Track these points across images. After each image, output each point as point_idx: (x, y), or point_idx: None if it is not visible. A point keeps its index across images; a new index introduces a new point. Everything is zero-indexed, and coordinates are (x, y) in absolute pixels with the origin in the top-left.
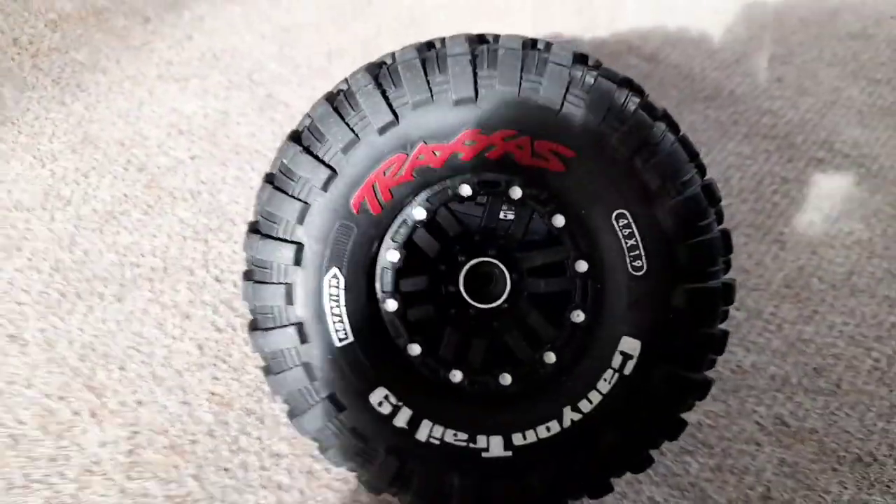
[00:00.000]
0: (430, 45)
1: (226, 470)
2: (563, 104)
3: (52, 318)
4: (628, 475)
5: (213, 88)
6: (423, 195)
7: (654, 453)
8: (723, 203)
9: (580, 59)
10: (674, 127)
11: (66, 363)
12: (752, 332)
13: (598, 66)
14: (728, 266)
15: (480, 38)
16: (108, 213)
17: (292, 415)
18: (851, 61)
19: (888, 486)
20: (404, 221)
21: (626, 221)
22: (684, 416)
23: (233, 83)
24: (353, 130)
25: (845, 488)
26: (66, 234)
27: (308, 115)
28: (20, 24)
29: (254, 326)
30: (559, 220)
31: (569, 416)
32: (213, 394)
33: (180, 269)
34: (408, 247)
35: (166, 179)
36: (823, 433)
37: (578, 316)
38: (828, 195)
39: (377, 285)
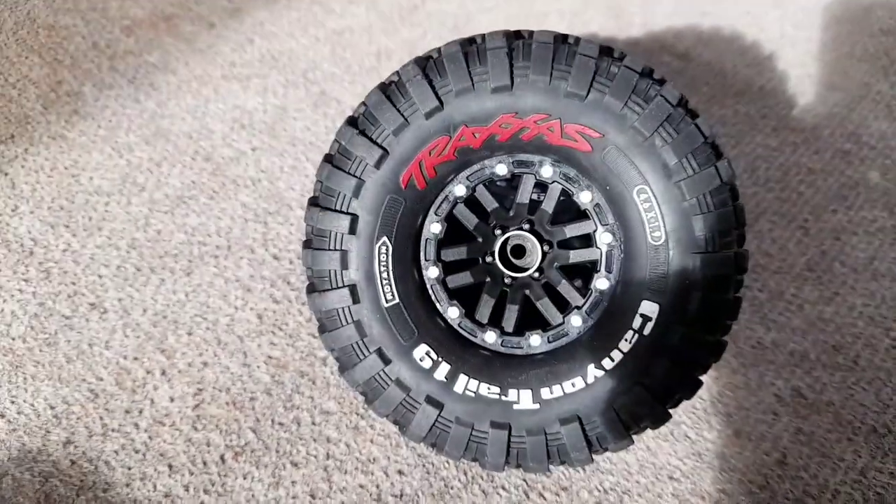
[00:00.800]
0: (471, 40)
1: (280, 424)
2: (589, 90)
3: (129, 289)
4: (649, 441)
5: (272, 87)
6: (463, 174)
7: (674, 419)
8: (750, 191)
9: (606, 51)
10: (691, 112)
11: (141, 328)
12: (773, 311)
13: (622, 57)
14: (742, 238)
15: (517, 34)
16: (178, 198)
17: (343, 368)
18: (883, 56)
19: None
20: (446, 197)
21: (646, 196)
22: (704, 380)
23: (289, 82)
24: (402, 115)
25: (859, 457)
26: (141, 215)
27: (363, 103)
28: (98, 30)
29: (311, 289)
30: (586, 196)
31: (592, 372)
32: (270, 357)
33: (242, 248)
34: (449, 220)
35: (230, 168)
36: (840, 405)
37: (603, 283)
38: (853, 185)
39: (421, 254)
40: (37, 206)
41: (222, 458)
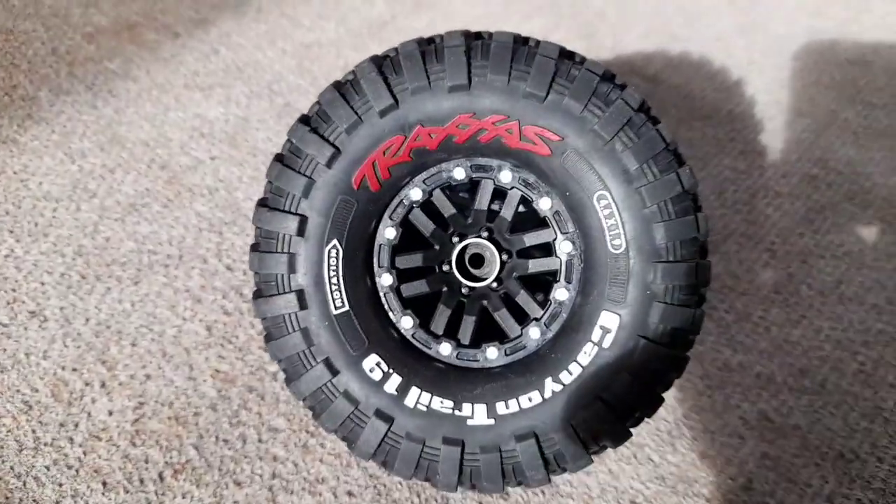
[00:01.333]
0: (430, 40)
1: (225, 441)
2: (549, 92)
3: (72, 297)
4: (612, 463)
5: (236, 97)
6: (420, 177)
7: (637, 443)
8: (717, 213)
9: (567, 53)
10: (652, 118)
11: (82, 338)
12: (740, 334)
13: (583, 60)
14: (704, 250)
15: (477, 35)
16: (130, 206)
17: (289, 380)
18: (849, 86)
19: (868, 482)
20: (402, 201)
21: (606, 202)
22: (668, 402)
23: (253, 93)
24: (356, 113)
25: (826, 482)
26: (90, 222)
27: (317, 101)
28: (59, 35)
29: (258, 294)
30: (546, 203)
31: (550, 386)
32: (217, 371)
33: (195, 258)
34: (404, 225)
35: (186, 177)
36: (807, 430)
37: (562, 293)
38: (819, 209)
39: (374, 260)
40: None
41: (160, 475)
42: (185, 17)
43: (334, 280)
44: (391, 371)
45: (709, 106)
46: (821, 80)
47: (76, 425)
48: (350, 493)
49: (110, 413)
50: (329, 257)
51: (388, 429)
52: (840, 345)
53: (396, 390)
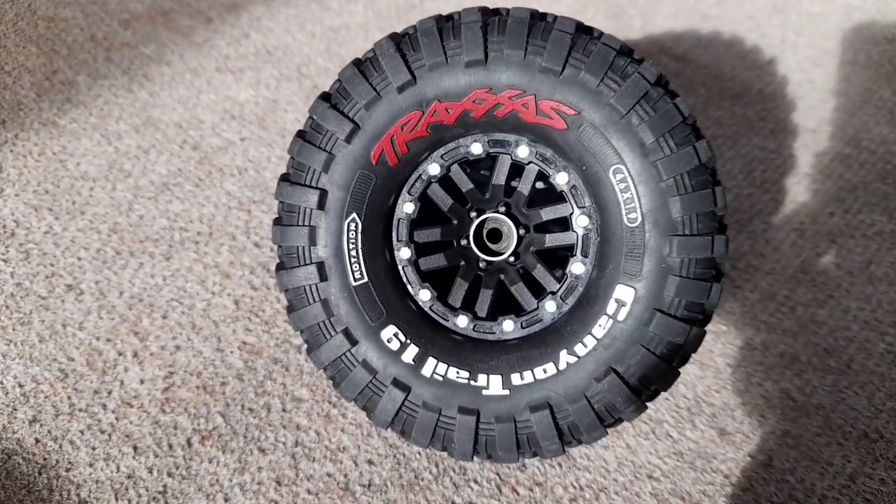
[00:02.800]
0: (448, 17)
1: (250, 410)
2: (565, 66)
3: (107, 272)
4: (629, 438)
5: (265, 80)
6: (438, 152)
7: (655, 417)
8: (745, 192)
9: (583, 28)
10: (670, 92)
11: (116, 311)
12: (763, 313)
13: (600, 35)
14: (722, 224)
15: (494, 11)
16: (163, 185)
17: (310, 349)
18: (886, 64)
19: (893, 462)
20: (420, 176)
21: (622, 176)
22: (684, 378)
23: (283, 75)
24: (375, 89)
25: (849, 462)
26: (125, 201)
27: (338, 78)
28: (97, 22)
29: (280, 266)
30: (562, 178)
31: (565, 359)
32: (244, 343)
33: (224, 235)
34: (423, 200)
35: (217, 157)
36: (830, 409)
37: (579, 267)
38: (851, 188)
39: (393, 234)
40: (22, 190)
41: (188, 441)
42: (217, 3)
43: (353, 252)
44: (409, 341)
45: (739, 85)
46: (857, 59)
47: (109, 393)
48: (370, 462)
49: (142, 381)
50: (349, 230)
51: (406, 398)
52: (868, 325)
53: (413, 360)
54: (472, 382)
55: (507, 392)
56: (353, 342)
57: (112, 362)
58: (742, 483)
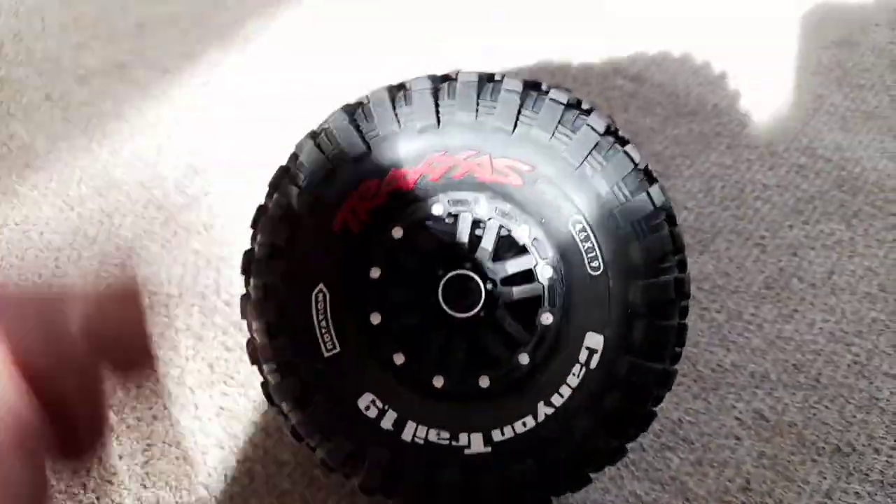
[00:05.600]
0: (400, 86)
1: (234, 478)
2: (515, 125)
3: None
4: (611, 471)
5: (226, 128)
6: (399, 216)
7: (635, 449)
8: (706, 211)
9: (532, 85)
10: (620, 139)
11: None
12: (732, 333)
13: (548, 90)
14: (683, 264)
15: (444, 77)
16: (129, 249)
17: (288, 423)
18: (836, 68)
19: (866, 475)
20: (384, 240)
21: (581, 226)
22: (660, 409)
23: (245, 119)
24: (330, 161)
25: (824, 478)
26: (92, 270)
27: (294, 152)
28: (53, 80)
29: (250, 343)
30: (524, 232)
31: (542, 410)
32: (222, 408)
33: (194, 296)
34: (389, 263)
35: (183, 215)
36: (802, 426)
37: (547, 318)
38: (809, 199)
39: (363, 299)
40: None
41: None
42: (173, 52)
43: (323, 323)
44: (387, 407)
45: (694, 101)
46: (807, 66)
47: (88, 471)
48: None
49: (120, 457)
50: (317, 301)
51: (388, 463)
52: (833, 337)
53: (393, 426)
54: (454, 443)
55: (489, 449)
56: (331, 412)
57: None
58: None
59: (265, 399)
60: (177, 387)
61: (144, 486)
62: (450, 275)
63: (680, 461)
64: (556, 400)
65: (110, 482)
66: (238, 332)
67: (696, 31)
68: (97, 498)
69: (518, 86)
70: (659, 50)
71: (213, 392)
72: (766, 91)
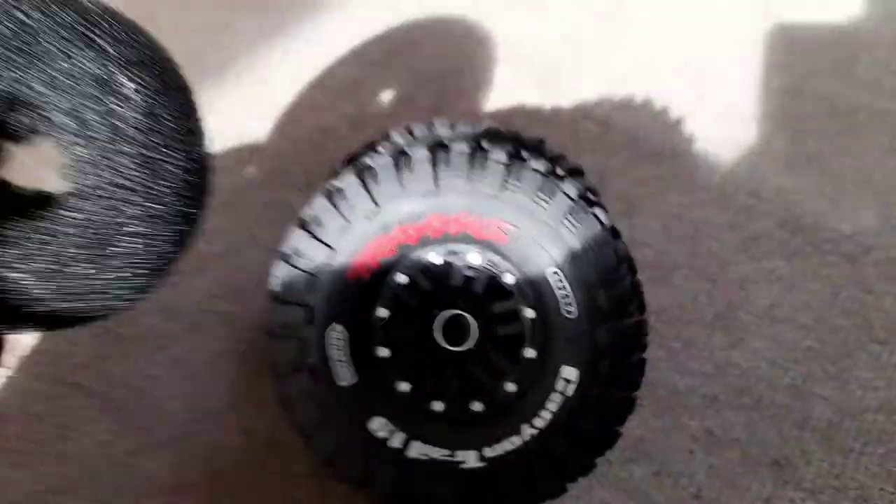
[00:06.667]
0: (402, 152)
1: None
2: (500, 190)
3: None
4: (582, 481)
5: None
6: (403, 264)
7: (603, 462)
8: (665, 248)
9: (516, 154)
10: (590, 202)
11: None
12: (687, 360)
13: (528, 159)
14: (642, 307)
15: (440, 144)
16: None
17: (306, 442)
18: (780, 114)
19: (799, 484)
20: (390, 285)
21: (558, 276)
22: (624, 428)
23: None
24: (345, 217)
25: (764, 486)
26: None
27: (311, 208)
28: None
29: (275, 373)
30: (509, 279)
31: (527, 431)
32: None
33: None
34: (394, 304)
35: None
36: (746, 442)
37: (529, 352)
38: (755, 238)
39: (372, 336)
40: None
41: None
42: None
43: (340, 358)
44: (395, 429)
45: (654, 145)
46: (756, 112)
47: None
48: None
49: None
50: (334, 339)
51: (396, 479)
52: (774, 363)
53: (401, 445)
54: (452, 458)
55: (483, 464)
56: (345, 434)
57: None
58: None
59: (290, 423)
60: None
61: None
62: (446, 314)
63: (641, 472)
64: (538, 423)
65: None
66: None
67: (655, 78)
68: None
69: (503, 157)
70: (623, 95)
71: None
72: (718, 136)
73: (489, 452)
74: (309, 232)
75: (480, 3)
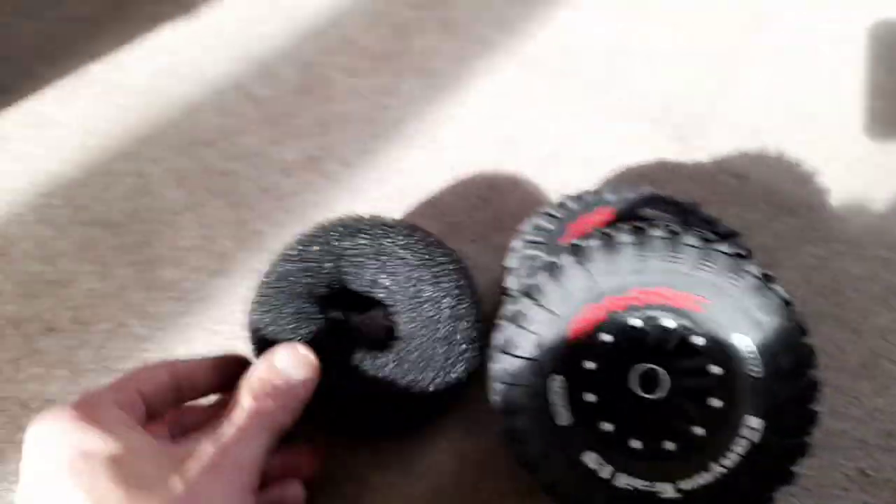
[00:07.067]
0: (608, 235)
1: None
2: (694, 269)
3: None
4: None
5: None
6: (609, 326)
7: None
8: (809, 299)
9: (707, 238)
10: (770, 277)
11: None
12: (837, 404)
13: (719, 240)
14: (815, 365)
15: (640, 229)
16: None
17: (531, 471)
18: None
19: None
20: (597, 343)
21: (745, 342)
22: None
23: (422, 216)
24: (565, 289)
25: None
26: None
27: (534, 280)
28: (264, 174)
29: (503, 412)
30: (700, 340)
31: (716, 469)
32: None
33: None
34: (600, 359)
35: None
36: None
37: (716, 402)
38: (893, 288)
39: (582, 385)
40: None
41: None
42: (356, 150)
43: (559, 401)
44: (604, 463)
45: (791, 197)
46: (888, 165)
47: None
48: None
49: None
50: (555, 386)
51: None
52: None
53: (609, 476)
54: (652, 490)
55: (679, 496)
56: (560, 465)
57: None
58: None
59: (516, 461)
60: None
61: None
62: (641, 367)
63: None
64: (726, 462)
65: None
66: None
67: (787, 130)
68: None
69: (699, 241)
70: (759, 147)
71: None
72: (851, 189)
73: (683, 485)
74: (534, 300)
75: (615, 62)
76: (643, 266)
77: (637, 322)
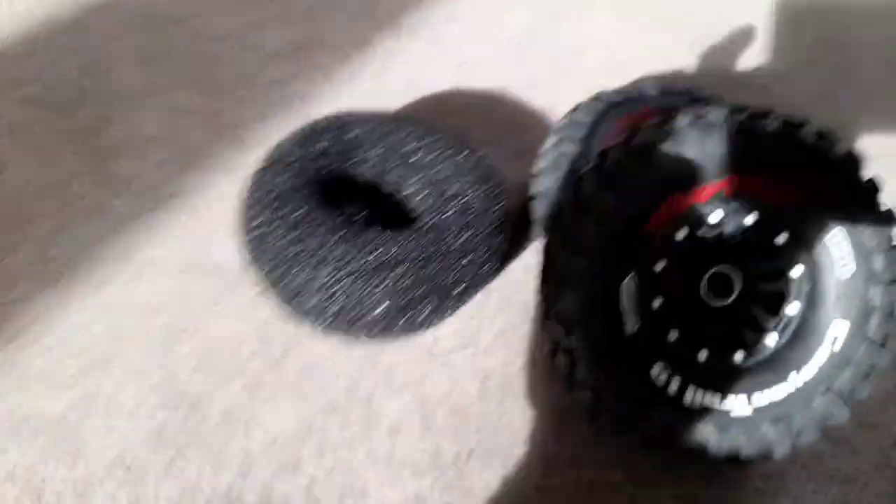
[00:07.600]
0: (700, 115)
1: (496, 427)
2: (794, 160)
3: None
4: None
5: None
6: (687, 220)
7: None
8: None
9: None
10: (874, 187)
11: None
12: None
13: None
14: None
15: (738, 110)
16: None
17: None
18: None
19: None
20: (670, 239)
21: (836, 239)
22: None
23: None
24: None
25: None
26: None
27: (616, 165)
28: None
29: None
30: (782, 238)
31: (793, 382)
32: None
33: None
34: (670, 258)
35: None
36: None
37: (793, 308)
38: None
39: (650, 287)
40: None
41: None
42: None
43: (626, 306)
44: (672, 375)
45: None
46: None
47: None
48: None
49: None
50: (625, 291)
51: (672, 423)
52: None
53: (677, 390)
54: (721, 406)
55: (749, 412)
56: (628, 380)
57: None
58: None
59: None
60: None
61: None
62: (712, 269)
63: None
64: (805, 374)
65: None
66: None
67: None
68: (391, 444)
69: (812, 137)
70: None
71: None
72: None
73: (756, 401)
74: (605, 186)
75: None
76: (737, 150)
77: (715, 218)
